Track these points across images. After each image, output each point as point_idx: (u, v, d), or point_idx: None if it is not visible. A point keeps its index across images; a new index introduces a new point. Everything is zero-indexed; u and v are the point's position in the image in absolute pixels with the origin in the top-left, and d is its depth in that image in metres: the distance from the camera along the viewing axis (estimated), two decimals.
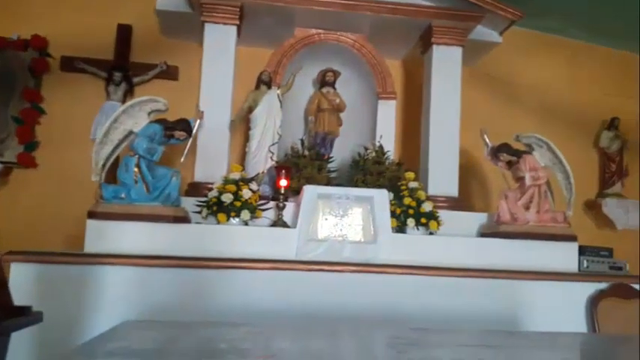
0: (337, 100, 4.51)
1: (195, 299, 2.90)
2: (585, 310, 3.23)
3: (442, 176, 4.13)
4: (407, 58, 4.95)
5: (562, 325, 2.71)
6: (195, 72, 4.16)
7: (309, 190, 3.43)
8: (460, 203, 4.13)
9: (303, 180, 3.84)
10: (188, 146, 3.57)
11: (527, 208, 3.58)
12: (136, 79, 4.62)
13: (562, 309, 3.19)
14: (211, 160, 3.88)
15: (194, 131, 3.55)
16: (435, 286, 3.20)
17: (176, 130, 3.42)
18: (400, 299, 3.14)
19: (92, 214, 3.17)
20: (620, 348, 1.87)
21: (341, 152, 4.53)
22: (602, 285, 3.27)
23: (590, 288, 3.28)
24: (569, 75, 5.23)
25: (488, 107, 5.01)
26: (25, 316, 1.58)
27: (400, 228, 3.54)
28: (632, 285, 3.26)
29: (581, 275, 3.38)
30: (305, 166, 3.99)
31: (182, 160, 3.54)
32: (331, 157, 4.37)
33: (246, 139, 4.08)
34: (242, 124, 4.14)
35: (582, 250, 3.57)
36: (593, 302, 3.20)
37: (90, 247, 3.10)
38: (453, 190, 4.12)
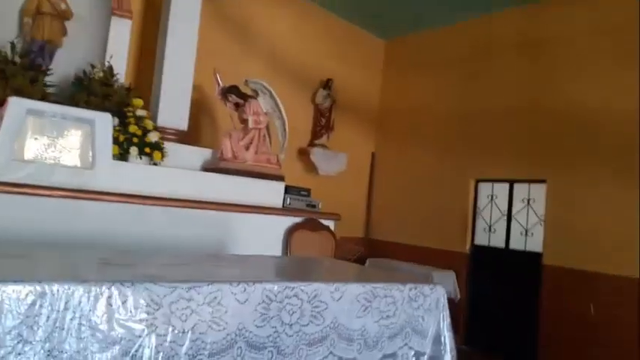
0: (63, 6, 4.04)
1: None
2: (283, 238, 3.82)
3: (173, 108, 4.17)
4: None
5: (264, 251, 3.17)
6: None
7: (16, 103, 3.05)
8: (188, 137, 4.27)
9: (10, 90, 3.37)
10: None
11: (247, 148, 3.95)
12: None
13: (265, 238, 3.70)
14: None
15: None
16: (152, 215, 3.31)
17: None
18: (116, 227, 3.15)
19: None
20: (300, 262, 2.33)
21: (63, 66, 4.10)
22: (298, 219, 3.91)
23: (289, 221, 3.88)
24: (296, 31, 5.79)
25: (226, 48, 5.21)
26: None
27: (122, 156, 3.48)
28: (320, 220, 3.99)
29: (283, 210, 3.95)
30: (14, 74, 3.50)
31: None
32: (50, 70, 3.92)
33: None
34: None
35: (287, 189, 4.16)
36: (289, 232, 3.80)
37: None
38: (182, 124, 4.22)
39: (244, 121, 4.01)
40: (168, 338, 1.38)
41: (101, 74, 3.90)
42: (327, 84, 5.95)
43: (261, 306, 1.54)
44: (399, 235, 6.05)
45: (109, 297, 1.32)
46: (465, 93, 5.78)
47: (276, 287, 1.57)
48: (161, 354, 1.37)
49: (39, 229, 2.85)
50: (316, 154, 5.66)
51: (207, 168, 3.95)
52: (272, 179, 4.02)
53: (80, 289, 1.29)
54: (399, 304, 1.85)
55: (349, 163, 6.03)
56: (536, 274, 4.96)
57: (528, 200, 5.29)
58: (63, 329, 1.26)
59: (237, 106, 4.06)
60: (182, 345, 1.40)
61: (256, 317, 1.53)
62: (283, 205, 4.10)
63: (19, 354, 1.19)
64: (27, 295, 1.22)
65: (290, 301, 1.60)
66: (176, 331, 1.39)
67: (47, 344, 1.24)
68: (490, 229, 5.59)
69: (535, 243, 5.15)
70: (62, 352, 1.24)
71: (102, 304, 1.30)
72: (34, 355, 1.22)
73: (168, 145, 3.85)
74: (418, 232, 5.90)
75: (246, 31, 5.47)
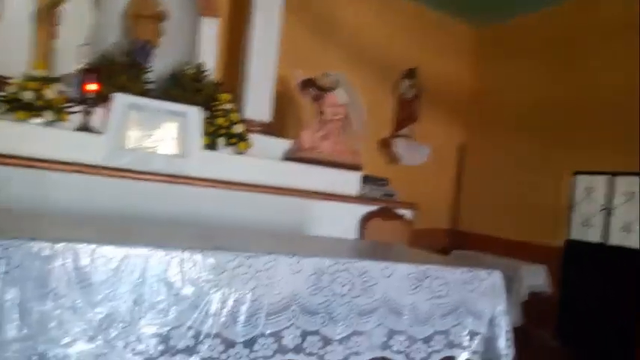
0: (159, 8, 4.48)
1: None
2: (358, 225, 4.00)
3: (258, 101, 4.51)
4: None
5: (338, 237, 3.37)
6: None
7: (120, 99, 3.52)
8: (272, 128, 4.58)
9: (114, 87, 3.86)
10: None
11: (325, 138, 4.17)
12: None
13: (340, 224, 3.90)
14: (10, 53, 3.66)
15: None
16: (236, 199, 3.65)
17: None
18: (204, 209, 3.51)
19: None
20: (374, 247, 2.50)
21: (160, 64, 4.56)
22: (373, 207, 4.07)
23: (364, 209, 4.06)
24: (381, 23, 5.89)
25: (309, 41, 5.46)
26: None
27: (211, 145, 3.85)
28: (395, 209, 4.11)
29: (358, 198, 4.13)
30: (119, 73, 3.99)
31: None
32: (149, 68, 4.39)
33: (52, 36, 3.89)
34: (48, 18, 3.90)
35: (364, 179, 4.33)
36: (364, 220, 3.98)
37: None
38: (266, 116, 4.55)
39: (322, 113, 4.23)
40: (232, 297, 1.63)
41: (193, 71, 4.31)
42: (410, 74, 6.01)
43: (314, 276, 1.75)
44: (488, 228, 5.98)
45: (182, 260, 1.59)
46: (561, 80, 5.55)
47: (327, 262, 1.77)
48: (225, 310, 1.62)
49: (138, 209, 3.28)
50: (399, 145, 5.76)
51: (288, 157, 4.24)
52: (349, 168, 4.21)
53: (159, 253, 1.58)
54: (451, 285, 1.97)
55: (433, 154, 6.05)
56: (636, 272, 4.68)
57: (632, 194, 4.99)
58: (144, 284, 1.54)
59: (315, 98, 4.29)
60: (243, 303, 1.64)
61: (309, 286, 1.74)
62: (360, 194, 4.27)
63: (110, 300, 1.50)
64: (115, 255, 1.52)
65: (341, 274, 1.79)
66: (238, 292, 1.63)
67: (133, 295, 1.53)
68: (587, 224, 5.34)
69: (636, 239, 4.85)
70: (144, 301, 1.53)
71: (175, 265, 1.58)
72: (124, 302, 1.52)
73: (252, 136, 4.19)
74: (509, 224, 5.78)
75: (328, 23, 5.68)
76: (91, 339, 1.48)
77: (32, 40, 3.82)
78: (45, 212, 2.72)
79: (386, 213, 4.06)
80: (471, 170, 6.41)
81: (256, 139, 4.21)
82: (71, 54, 3.82)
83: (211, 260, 1.62)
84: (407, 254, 2.43)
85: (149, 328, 1.55)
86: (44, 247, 1.46)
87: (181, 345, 1.57)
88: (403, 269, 1.88)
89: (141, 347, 1.53)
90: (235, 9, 5.11)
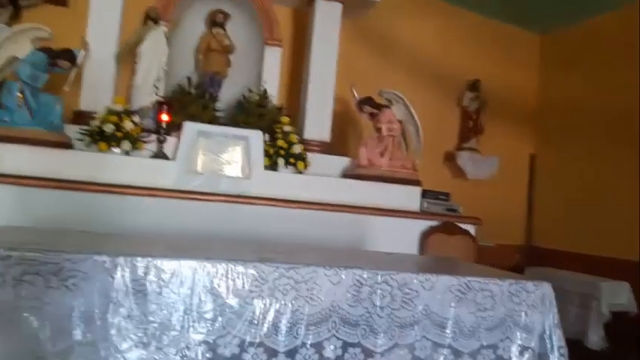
0: (226, 42, 4.76)
1: (73, 221, 3.17)
2: (418, 241, 3.97)
3: (317, 122, 4.64)
4: (297, 7, 5.27)
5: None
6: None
7: (189, 127, 3.78)
8: (331, 147, 4.68)
9: (186, 116, 4.14)
10: (72, 76, 3.72)
11: (382, 155, 4.20)
12: (23, 2, 4.50)
13: (400, 240, 3.88)
14: (96, 90, 4.05)
15: (78, 62, 3.69)
16: (297, 217, 3.75)
17: (60, 60, 3.56)
18: (268, 227, 3.64)
19: None
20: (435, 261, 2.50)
21: (229, 92, 4.84)
22: (435, 222, 4.02)
23: (424, 224, 4.02)
24: (441, 37, 5.85)
25: (367, 60, 5.54)
26: None
27: (272, 166, 4.01)
28: (457, 223, 4.04)
29: (418, 213, 4.10)
30: (190, 103, 4.28)
31: (66, 88, 3.69)
32: (218, 97, 4.67)
33: (133, 73, 4.25)
34: (129, 57, 4.28)
35: (424, 193, 4.29)
36: (425, 235, 3.94)
37: None
38: (325, 135, 4.66)
39: (379, 130, 4.27)
40: (273, 307, 1.71)
41: (257, 97, 4.53)
42: (474, 86, 5.90)
43: (353, 288, 1.79)
44: (564, 243, 5.66)
45: (226, 271, 1.70)
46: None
47: (365, 274, 1.80)
48: (267, 319, 1.70)
49: (206, 228, 3.47)
50: (464, 158, 5.65)
51: (346, 175, 4.30)
52: (407, 184, 4.20)
53: (206, 265, 1.69)
54: (497, 298, 1.92)
55: (502, 166, 5.86)
56: None
57: None
58: (193, 294, 1.66)
59: (372, 115, 4.34)
60: (284, 314, 1.71)
61: (348, 297, 1.78)
62: (420, 209, 4.24)
63: (162, 310, 1.62)
64: (167, 267, 1.65)
65: (380, 286, 1.81)
66: (279, 302, 1.71)
67: (183, 305, 1.66)
68: None
69: None
70: (192, 311, 1.65)
71: (221, 276, 1.69)
72: (175, 312, 1.65)
73: (312, 156, 4.31)
74: (587, 238, 5.44)
75: (387, 42, 5.73)
76: (146, 345, 1.62)
77: (114, 78, 4.20)
78: (123, 233, 2.96)
79: (448, 228, 3.99)
80: (544, 182, 6.13)
81: (316, 158, 4.33)
82: (148, 88, 4.16)
83: (253, 272, 1.71)
84: (454, 267, 2.40)
85: (197, 336, 1.66)
86: (105, 261, 1.62)
87: (227, 353, 1.67)
88: (444, 281, 1.87)
89: (190, 354, 1.65)
90: (297, 36, 5.31)
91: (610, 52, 5.51)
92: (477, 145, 5.85)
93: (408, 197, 4.22)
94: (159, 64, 4.18)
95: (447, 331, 1.87)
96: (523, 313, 1.94)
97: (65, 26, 4.15)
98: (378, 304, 1.81)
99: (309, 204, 3.78)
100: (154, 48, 4.15)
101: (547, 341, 1.94)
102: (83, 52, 3.76)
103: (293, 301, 1.73)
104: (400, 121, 4.35)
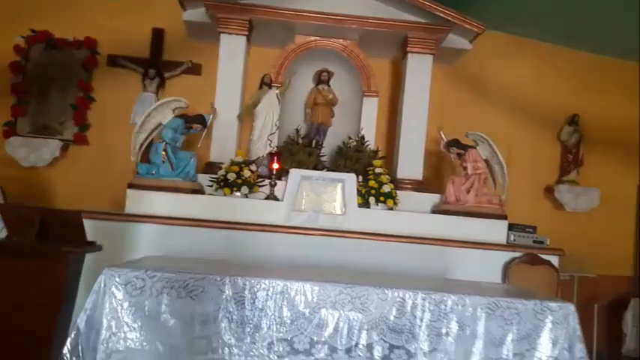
0: (330, 96, 5.50)
1: (202, 251, 4.01)
2: (502, 271, 4.23)
3: (409, 163, 5.14)
4: (394, 60, 5.87)
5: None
6: (215, 68, 5.22)
7: (294, 173, 4.53)
8: (423, 185, 5.13)
9: (295, 163, 4.90)
10: (203, 135, 4.72)
11: (468, 191, 4.56)
12: (166, 74, 5.73)
13: (484, 270, 4.18)
14: (223, 145, 5.01)
15: (208, 124, 4.66)
16: (386, 249, 4.26)
17: (194, 124, 4.56)
18: (360, 258, 4.19)
19: (131, 185, 4.37)
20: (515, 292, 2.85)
21: (333, 139, 5.55)
22: (518, 254, 4.26)
23: (507, 255, 4.27)
24: (537, 75, 6.04)
25: (464, 101, 5.93)
26: (92, 246, 2.74)
27: (364, 204, 4.58)
28: (540, 255, 4.23)
29: (499, 245, 4.36)
30: (297, 151, 5.05)
31: (198, 145, 4.68)
32: (322, 144, 5.39)
33: (252, 129, 5.15)
34: (248, 117, 5.20)
35: (511, 227, 4.54)
36: (507, 266, 4.20)
37: (129, 209, 4.29)
38: (417, 174, 5.13)
39: (465, 168, 4.64)
40: (335, 316, 2.26)
41: (354, 143, 5.17)
42: (572, 120, 5.96)
43: (398, 303, 2.28)
44: None
45: (301, 288, 2.30)
46: None
47: (408, 293, 2.29)
48: (330, 324, 2.26)
49: (308, 258, 4.11)
50: (561, 191, 5.71)
51: (435, 210, 4.71)
52: (493, 218, 4.50)
53: (287, 283, 2.31)
54: (522, 314, 2.27)
55: (605, 197, 5.80)
56: None
57: None
58: (277, 304, 2.28)
59: (459, 155, 4.73)
60: (343, 321, 2.26)
61: (394, 311, 2.27)
62: (507, 241, 4.48)
63: (255, 316, 2.27)
64: (260, 286, 2.30)
65: (420, 302, 2.28)
66: (339, 312, 2.27)
67: (269, 312, 2.28)
68: None
69: None
70: (276, 316, 2.27)
71: (297, 291, 2.29)
72: (264, 316, 2.28)
73: (405, 193, 4.82)
74: None
75: (483, 82, 6.06)
76: (243, 340, 2.26)
77: (237, 134, 5.14)
78: (239, 260, 3.72)
79: (530, 259, 4.20)
80: None
81: (408, 196, 4.83)
82: (263, 142, 5.03)
83: (319, 289, 2.29)
84: (496, 291, 2.74)
85: (279, 334, 2.27)
86: (217, 279, 2.32)
87: (300, 348, 2.25)
88: (475, 300, 2.27)
89: (274, 348, 2.26)
90: (394, 84, 5.90)
91: None
92: (577, 178, 5.86)
93: (494, 230, 4.51)
94: (272, 121, 5.04)
95: (480, 340, 2.26)
96: (547, 329, 2.25)
97: (199, 91, 5.28)
98: (419, 316, 2.27)
99: (397, 237, 4.27)
100: (268, 108, 5.03)
101: (570, 352, 2.22)
102: (211, 116, 4.73)
103: (350, 312, 2.27)
104: (486, 160, 4.67)
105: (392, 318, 2.27)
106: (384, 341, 2.25)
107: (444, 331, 2.26)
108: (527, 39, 6.07)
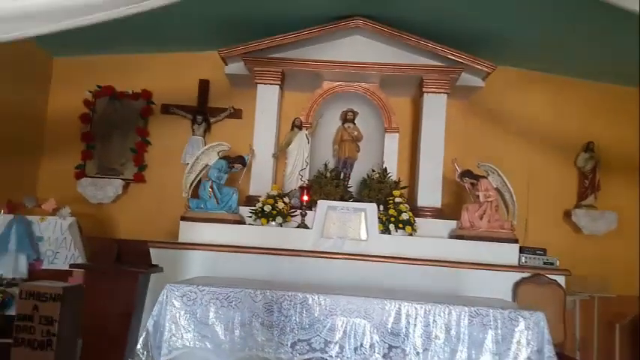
0: (355, 133, 6.15)
1: (246, 273, 4.63)
2: (511, 291, 4.67)
3: (428, 192, 5.69)
4: (414, 98, 6.48)
5: None
6: (254, 112, 5.98)
7: (321, 204, 5.17)
8: (442, 212, 5.65)
9: (324, 194, 5.54)
10: (243, 173, 5.48)
11: (481, 217, 5.05)
12: (212, 119, 6.53)
13: (495, 290, 4.62)
14: (260, 180, 5.73)
15: (247, 163, 5.39)
16: (405, 271, 4.80)
17: (235, 164, 5.30)
18: (382, 280, 4.74)
19: (183, 218, 5.14)
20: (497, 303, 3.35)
21: (359, 172, 6.16)
22: (527, 274, 4.70)
23: (517, 276, 4.72)
24: (551, 106, 6.47)
25: (484, 134, 6.42)
26: (156, 268, 3.46)
27: (385, 230, 5.15)
28: (546, 275, 4.65)
29: (509, 266, 4.81)
30: (326, 184, 5.69)
31: (239, 182, 5.42)
32: (349, 176, 6.02)
33: (285, 166, 5.85)
34: (282, 155, 5.91)
35: (522, 250, 4.99)
36: (517, 286, 4.64)
37: (182, 238, 5.04)
38: (436, 202, 5.66)
39: (477, 197, 5.14)
40: (343, 321, 2.85)
41: (377, 175, 5.76)
42: (587, 147, 6.34)
43: (394, 312, 2.84)
44: None
45: (317, 299, 2.90)
46: None
47: (403, 303, 2.85)
48: (340, 328, 2.84)
49: (334, 280, 4.68)
50: (578, 215, 6.08)
51: (451, 236, 5.22)
52: (505, 242, 4.98)
53: (306, 295, 2.92)
54: (499, 322, 2.78)
55: (623, 220, 6.12)
56: None
57: None
58: (297, 311, 2.89)
59: (472, 185, 5.24)
60: (351, 325, 2.83)
61: (392, 318, 2.83)
62: (519, 263, 4.92)
63: (285, 323, 2.88)
64: (291, 299, 2.92)
65: (412, 311, 2.83)
66: (346, 318, 2.85)
67: (292, 318, 2.89)
68: None
69: None
70: (297, 320, 2.87)
71: (312, 301, 2.89)
72: (288, 321, 2.88)
73: (424, 220, 5.37)
74: None
75: (500, 114, 6.53)
76: (271, 340, 2.88)
77: (272, 171, 5.84)
78: (272, 279, 4.35)
79: (538, 279, 4.63)
80: None
81: (428, 222, 5.38)
82: (295, 177, 5.71)
83: (330, 300, 2.89)
84: (484, 302, 3.23)
85: (300, 336, 2.87)
86: (251, 292, 2.96)
87: (317, 347, 2.84)
88: (457, 309, 2.81)
89: (296, 346, 2.86)
90: (414, 119, 6.48)
91: None
92: (594, 202, 6.20)
93: (506, 253, 4.98)
94: (302, 159, 5.73)
95: (464, 342, 2.78)
96: (520, 333, 2.75)
97: (240, 132, 6.07)
98: (412, 322, 2.82)
99: (414, 260, 4.81)
100: (298, 147, 5.73)
101: (540, 353, 2.70)
102: (250, 156, 5.46)
103: (356, 319, 2.85)
104: (497, 189, 5.16)
105: (390, 323, 2.83)
106: (384, 342, 2.81)
107: (433, 334, 2.80)
108: (540, 72, 6.53)
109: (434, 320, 2.82)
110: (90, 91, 6.56)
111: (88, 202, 6.26)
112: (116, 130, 6.56)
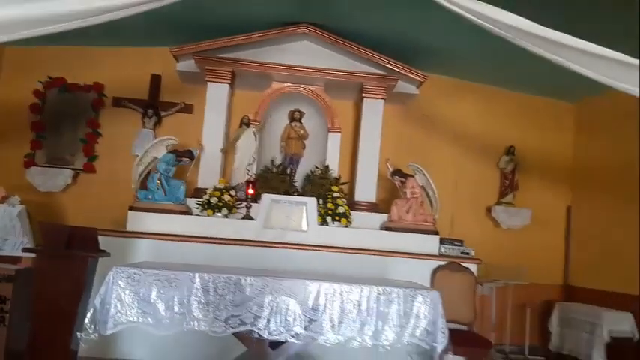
0: (302, 132, 6.60)
1: (186, 259, 5.00)
2: (430, 277, 5.25)
3: (364, 188, 6.23)
4: (356, 101, 6.97)
5: None
6: (204, 107, 6.31)
7: (265, 197, 5.60)
8: (377, 206, 6.19)
9: (269, 189, 5.96)
10: (191, 167, 5.81)
11: (408, 212, 5.61)
12: (163, 113, 6.82)
13: (415, 276, 5.11)
14: (209, 174, 6.09)
15: (195, 157, 5.75)
16: (339, 259, 5.30)
17: (184, 157, 5.65)
18: (319, 267, 5.20)
19: (132, 208, 5.46)
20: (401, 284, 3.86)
21: (304, 168, 6.61)
22: (443, 262, 5.29)
23: (435, 264, 5.31)
24: (478, 113, 7.10)
25: (418, 136, 6.99)
26: (103, 253, 3.80)
27: (323, 222, 5.64)
28: (461, 263, 5.26)
29: (430, 255, 5.40)
30: (272, 179, 6.12)
31: (187, 175, 5.77)
32: (295, 172, 6.47)
33: (233, 160, 6.23)
34: (230, 150, 6.29)
35: (442, 240, 5.59)
36: (434, 272, 5.23)
37: (130, 228, 5.35)
38: (371, 197, 6.20)
39: (405, 194, 5.70)
40: (271, 298, 3.29)
41: (320, 172, 6.23)
42: (509, 150, 7.03)
43: (316, 290, 3.31)
44: (595, 282, 6.38)
45: (249, 279, 3.33)
46: None
47: (323, 283, 3.32)
48: (269, 304, 3.27)
49: (276, 267, 5.11)
50: (497, 211, 6.77)
51: (382, 227, 5.76)
52: (428, 233, 5.56)
53: (239, 277, 3.34)
54: (401, 298, 3.30)
55: (537, 217, 6.87)
56: None
57: None
58: (230, 290, 3.31)
59: (401, 183, 5.80)
60: (278, 302, 3.28)
61: (312, 295, 3.30)
62: (438, 253, 5.51)
63: (215, 296, 3.30)
64: (217, 278, 3.33)
65: (330, 290, 3.31)
66: (274, 296, 3.29)
67: (225, 296, 3.31)
68: None
69: None
70: (229, 298, 3.29)
71: (244, 282, 3.32)
72: (223, 299, 3.31)
73: (360, 213, 5.89)
74: (616, 279, 6.08)
75: (433, 120, 7.10)
76: (207, 314, 3.28)
77: (220, 165, 6.21)
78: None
79: (453, 266, 5.23)
80: (579, 230, 6.91)
81: (362, 215, 5.91)
82: (242, 171, 6.10)
83: (261, 280, 3.33)
84: (393, 283, 3.76)
85: (232, 312, 3.29)
86: (190, 275, 3.35)
87: (247, 320, 3.27)
88: (368, 288, 3.31)
89: (228, 321, 3.27)
90: (356, 121, 6.96)
91: (630, 118, 6.18)
92: (512, 200, 6.90)
93: (428, 244, 5.57)
94: (249, 154, 6.13)
95: (373, 315, 3.28)
96: (418, 307, 3.28)
97: (190, 127, 6.39)
98: (330, 299, 3.30)
99: (347, 249, 5.32)
100: (246, 144, 6.13)
101: (434, 324, 3.25)
102: (198, 151, 5.81)
103: (282, 297, 3.30)
104: (422, 187, 5.74)
105: (311, 300, 3.30)
106: (306, 316, 3.28)
107: (347, 309, 3.29)
108: (470, 82, 7.14)
109: (348, 297, 3.30)
110: (41, 82, 6.69)
111: (37, 191, 6.42)
112: (67, 120, 6.70)
